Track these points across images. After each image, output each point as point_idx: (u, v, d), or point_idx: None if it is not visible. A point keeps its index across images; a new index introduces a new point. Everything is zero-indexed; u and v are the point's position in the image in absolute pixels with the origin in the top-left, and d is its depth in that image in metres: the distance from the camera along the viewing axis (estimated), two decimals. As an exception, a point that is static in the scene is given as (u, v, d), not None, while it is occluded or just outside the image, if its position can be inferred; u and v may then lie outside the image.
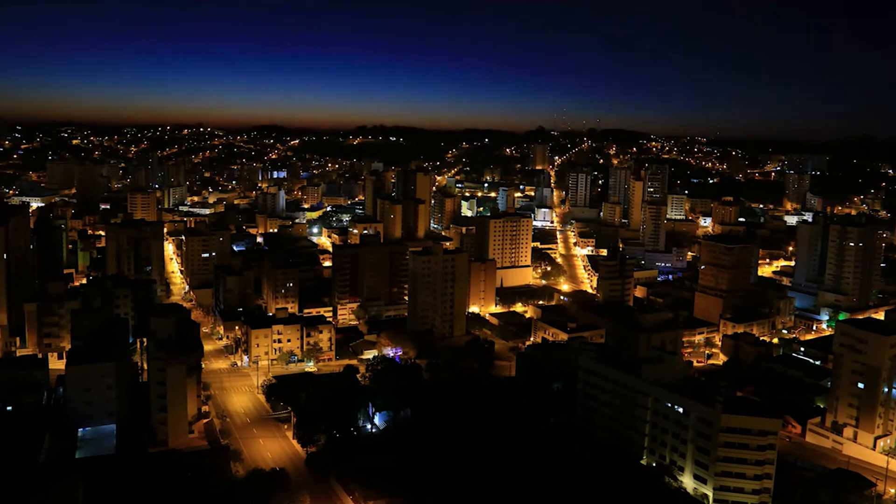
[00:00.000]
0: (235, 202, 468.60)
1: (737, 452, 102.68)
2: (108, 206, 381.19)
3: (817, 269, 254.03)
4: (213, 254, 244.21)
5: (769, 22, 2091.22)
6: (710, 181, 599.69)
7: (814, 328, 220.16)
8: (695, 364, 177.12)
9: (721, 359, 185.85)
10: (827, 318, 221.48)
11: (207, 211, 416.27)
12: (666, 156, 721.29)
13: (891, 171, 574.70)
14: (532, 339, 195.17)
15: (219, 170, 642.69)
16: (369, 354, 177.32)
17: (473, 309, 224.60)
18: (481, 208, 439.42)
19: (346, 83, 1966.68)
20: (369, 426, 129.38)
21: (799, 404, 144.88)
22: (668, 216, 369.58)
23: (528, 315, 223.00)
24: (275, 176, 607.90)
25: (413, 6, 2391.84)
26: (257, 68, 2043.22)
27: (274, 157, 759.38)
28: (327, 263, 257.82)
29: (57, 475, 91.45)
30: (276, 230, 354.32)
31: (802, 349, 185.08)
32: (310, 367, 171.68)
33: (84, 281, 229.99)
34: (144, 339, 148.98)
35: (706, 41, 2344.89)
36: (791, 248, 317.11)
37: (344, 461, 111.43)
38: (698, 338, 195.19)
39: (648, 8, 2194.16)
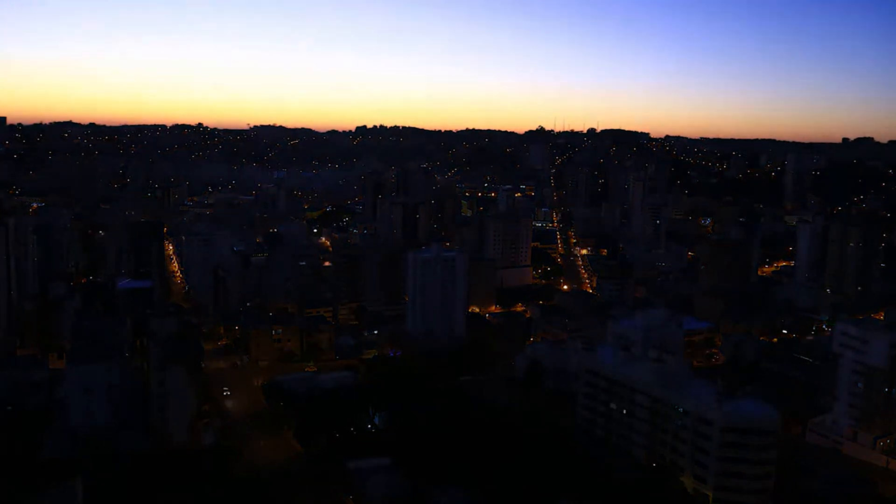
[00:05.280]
0: (235, 202, 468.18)
1: (737, 452, 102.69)
2: (108, 206, 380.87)
3: (817, 269, 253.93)
4: (213, 254, 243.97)
5: (770, 21, 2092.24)
6: (710, 181, 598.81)
7: (814, 328, 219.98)
8: (695, 364, 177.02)
9: (721, 359, 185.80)
10: (827, 318, 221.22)
11: (207, 211, 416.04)
12: (666, 156, 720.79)
13: (891, 171, 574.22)
14: (532, 339, 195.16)
15: (217, 170, 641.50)
16: (369, 354, 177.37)
17: (473, 309, 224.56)
18: (481, 208, 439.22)
19: (346, 82, 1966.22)
20: (369, 426, 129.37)
21: (799, 404, 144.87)
22: (668, 216, 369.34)
23: (527, 315, 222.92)
24: (275, 176, 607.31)
25: (412, 5, 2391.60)
26: (257, 68, 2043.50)
27: (274, 157, 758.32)
28: (327, 264, 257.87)
29: (57, 475, 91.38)
30: (276, 230, 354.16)
31: (802, 349, 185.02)
32: (310, 367, 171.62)
33: (84, 281, 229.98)
34: (144, 340, 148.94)
35: (706, 40, 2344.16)
36: (791, 248, 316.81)
37: (344, 461, 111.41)
38: (698, 338, 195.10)
39: (649, 7, 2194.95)
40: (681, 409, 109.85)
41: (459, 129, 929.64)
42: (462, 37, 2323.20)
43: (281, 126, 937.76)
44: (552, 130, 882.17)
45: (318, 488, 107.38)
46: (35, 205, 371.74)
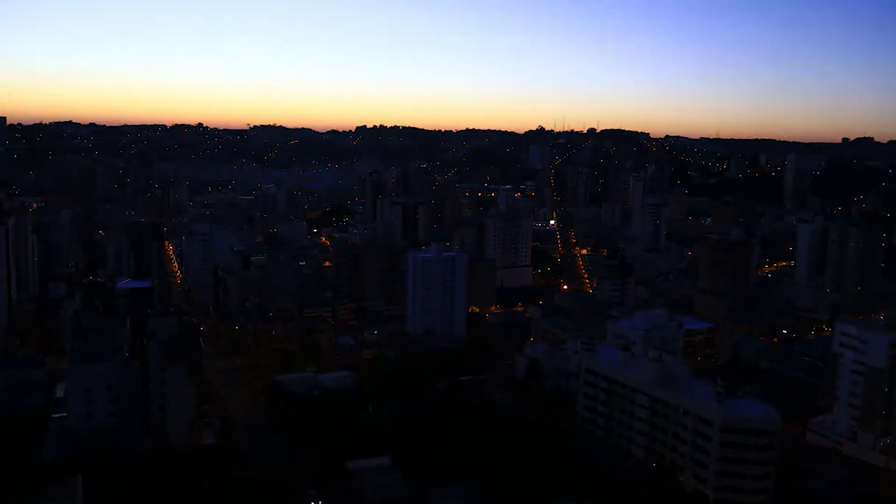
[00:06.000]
0: (235, 202, 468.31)
1: (737, 452, 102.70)
2: (108, 206, 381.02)
3: (817, 269, 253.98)
4: (213, 254, 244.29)
5: (770, 21, 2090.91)
6: (710, 181, 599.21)
7: (814, 328, 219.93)
8: (695, 364, 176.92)
9: (721, 359, 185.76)
10: (827, 318, 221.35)
11: (207, 211, 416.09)
12: (666, 156, 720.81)
13: (891, 170, 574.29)
14: (532, 339, 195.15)
15: (217, 170, 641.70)
16: (369, 355, 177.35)
17: (473, 309, 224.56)
18: (481, 208, 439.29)
19: (346, 82, 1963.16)
20: (369, 426, 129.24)
21: (799, 404, 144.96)
22: (668, 216, 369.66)
23: (527, 315, 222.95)
24: (275, 176, 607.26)
25: (412, 5, 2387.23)
26: (257, 68, 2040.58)
27: (274, 157, 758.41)
28: (327, 264, 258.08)
29: (57, 475, 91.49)
30: (276, 230, 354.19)
31: (802, 349, 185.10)
32: (310, 367, 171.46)
33: (84, 281, 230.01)
34: (144, 340, 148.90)
35: (706, 41, 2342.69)
36: (791, 248, 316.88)
37: (344, 461, 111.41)
38: (698, 338, 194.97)
39: (650, 7, 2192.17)
40: (681, 409, 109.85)
41: (459, 129, 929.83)
42: (462, 37, 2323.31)
43: (281, 126, 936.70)
44: (552, 130, 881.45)
45: (318, 488, 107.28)
46: (35, 205, 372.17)
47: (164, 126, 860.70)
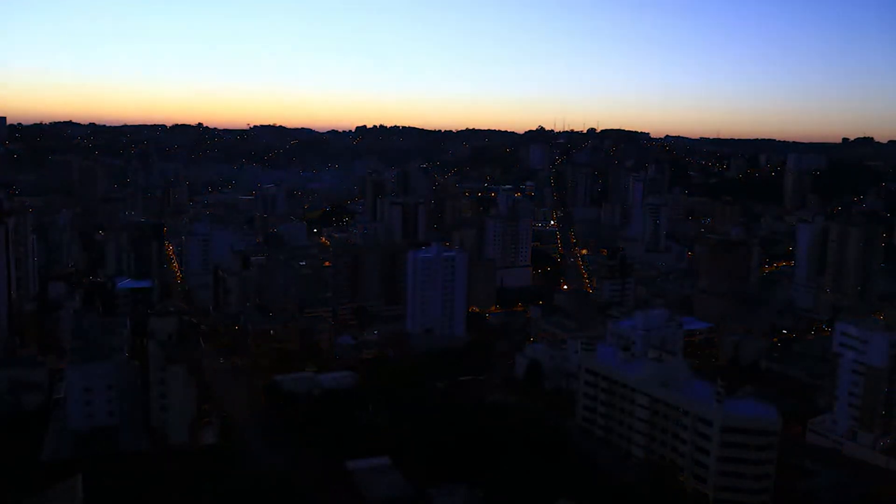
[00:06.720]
0: (235, 202, 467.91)
1: (737, 452, 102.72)
2: (108, 206, 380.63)
3: (817, 269, 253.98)
4: (213, 254, 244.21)
5: (770, 21, 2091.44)
6: (710, 181, 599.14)
7: (814, 328, 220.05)
8: (695, 364, 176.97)
9: (721, 359, 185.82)
10: (827, 318, 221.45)
11: (207, 211, 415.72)
12: (666, 156, 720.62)
13: (891, 170, 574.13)
14: (532, 339, 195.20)
15: (217, 170, 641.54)
16: (369, 355, 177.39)
17: (473, 309, 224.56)
18: (481, 208, 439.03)
19: (346, 82, 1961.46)
20: (369, 426, 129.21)
21: (799, 404, 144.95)
22: (668, 216, 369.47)
23: (528, 315, 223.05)
24: (275, 176, 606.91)
25: (412, 5, 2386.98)
26: (257, 68, 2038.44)
27: (274, 157, 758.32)
28: (327, 264, 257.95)
29: (57, 475, 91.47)
30: (276, 230, 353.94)
31: (802, 349, 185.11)
32: (310, 367, 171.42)
33: (84, 281, 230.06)
34: (144, 340, 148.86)
35: (706, 41, 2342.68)
36: (791, 248, 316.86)
37: (344, 461, 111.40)
38: (698, 338, 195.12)
39: (649, 8, 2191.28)
40: (681, 409, 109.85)
41: (459, 129, 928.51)
42: (462, 37, 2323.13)
43: (281, 126, 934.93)
44: (552, 130, 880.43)
45: (318, 488, 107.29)
46: (35, 205, 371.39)
47: (164, 126, 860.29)
